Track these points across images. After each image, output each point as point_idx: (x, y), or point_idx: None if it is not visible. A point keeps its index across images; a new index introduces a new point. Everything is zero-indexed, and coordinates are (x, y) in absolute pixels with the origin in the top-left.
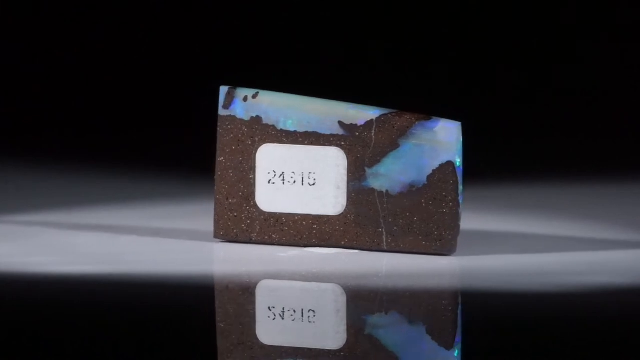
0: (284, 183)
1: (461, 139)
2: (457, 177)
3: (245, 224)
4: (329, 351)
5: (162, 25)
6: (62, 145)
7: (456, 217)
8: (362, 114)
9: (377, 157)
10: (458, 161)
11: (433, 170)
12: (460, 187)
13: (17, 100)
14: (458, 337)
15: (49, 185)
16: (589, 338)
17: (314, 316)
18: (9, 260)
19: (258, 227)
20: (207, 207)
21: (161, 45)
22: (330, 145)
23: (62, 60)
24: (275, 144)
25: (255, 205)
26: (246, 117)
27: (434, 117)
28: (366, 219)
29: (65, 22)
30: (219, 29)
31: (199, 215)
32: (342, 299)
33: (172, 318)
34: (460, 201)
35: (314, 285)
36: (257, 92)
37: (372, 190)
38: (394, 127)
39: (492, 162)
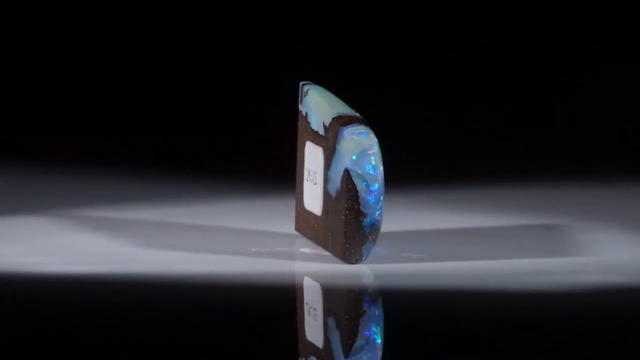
0: (308, 181)
1: (370, 147)
2: (354, 185)
3: (300, 219)
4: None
5: (161, 24)
6: (63, 145)
7: (354, 227)
8: (331, 115)
9: (329, 161)
10: (353, 170)
11: (341, 177)
12: (369, 197)
13: (17, 100)
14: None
15: (49, 185)
16: (589, 338)
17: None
18: (13, 260)
19: (304, 223)
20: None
21: (161, 45)
22: (320, 146)
23: (62, 60)
24: (309, 142)
25: (303, 202)
26: (304, 113)
27: (354, 123)
28: (328, 222)
29: (65, 22)
30: (218, 28)
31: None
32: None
33: (172, 318)
34: (368, 211)
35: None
36: (309, 89)
37: (328, 192)
38: (335, 131)
39: (492, 163)
